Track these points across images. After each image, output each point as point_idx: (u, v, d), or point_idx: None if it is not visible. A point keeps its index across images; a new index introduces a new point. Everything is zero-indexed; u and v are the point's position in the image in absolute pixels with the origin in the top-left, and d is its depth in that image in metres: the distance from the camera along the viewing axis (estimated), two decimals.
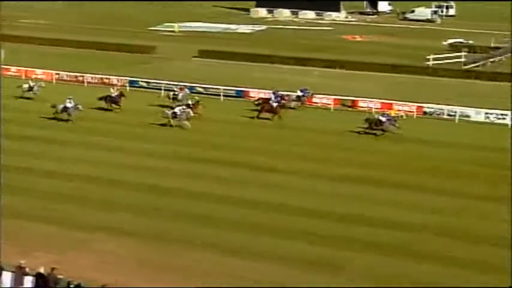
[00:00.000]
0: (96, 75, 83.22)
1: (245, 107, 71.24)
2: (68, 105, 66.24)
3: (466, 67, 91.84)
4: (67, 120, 66.17)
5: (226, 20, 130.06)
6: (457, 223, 45.94)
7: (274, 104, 68.43)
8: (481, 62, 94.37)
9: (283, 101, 69.75)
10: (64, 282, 34.67)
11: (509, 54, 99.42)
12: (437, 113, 70.93)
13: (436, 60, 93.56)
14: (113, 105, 70.51)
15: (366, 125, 64.24)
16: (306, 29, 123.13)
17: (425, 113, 71.50)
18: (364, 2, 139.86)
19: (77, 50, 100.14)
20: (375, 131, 63.81)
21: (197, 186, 50.96)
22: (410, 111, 71.36)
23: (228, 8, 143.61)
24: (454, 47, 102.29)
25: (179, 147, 59.50)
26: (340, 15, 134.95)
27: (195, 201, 48.35)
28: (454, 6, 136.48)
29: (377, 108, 71.47)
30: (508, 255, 41.17)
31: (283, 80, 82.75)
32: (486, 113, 69.88)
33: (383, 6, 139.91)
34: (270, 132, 64.64)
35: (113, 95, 71.01)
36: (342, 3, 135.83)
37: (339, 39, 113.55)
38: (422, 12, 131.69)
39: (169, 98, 72.08)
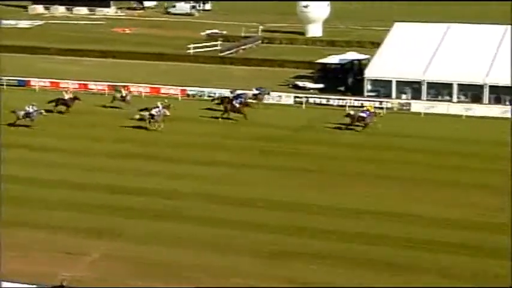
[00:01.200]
0: None
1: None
2: (30, 110, 59.93)
3: (221, 54, 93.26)
4: (27, 126, 60.48)
5: (6, 16, 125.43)
6: (221, 189, 46.87)
7: (237, 104, 64.31)
8: (234, 50, 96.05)
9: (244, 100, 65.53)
10: None
11: (258, 42, 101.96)
12: (199, 95, 71.84)
13: (196, 48, 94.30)
14: (66, 107, 64.74)
15: (348, 121, 61.02)
16: (80, 24, 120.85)
17: (188, 95, 72.24)
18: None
19: None
20: (355, 126, 60.70)
21: None
22: (175, 94, 71.94)
23: (6, 5, 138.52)
24: (211, 37, 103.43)
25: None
26: (110, 11, 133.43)
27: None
28: (210, 2, 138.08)
29: (146, 92, 71.72)
30: (274, 214, 42.62)
31: (62, 69, 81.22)
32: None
33: (149, 2, 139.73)
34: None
35: (66, 97, 65.22)
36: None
37: (111, 32, 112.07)
38: (182, 6, 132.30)
39: (115, 99, 67.03)
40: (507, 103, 67.11)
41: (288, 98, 70.26)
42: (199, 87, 73.14)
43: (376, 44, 78.25)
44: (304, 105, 68.79)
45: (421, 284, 35.26)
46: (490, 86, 68.02)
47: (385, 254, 38.00)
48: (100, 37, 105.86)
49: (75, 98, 65.26)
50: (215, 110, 65.22)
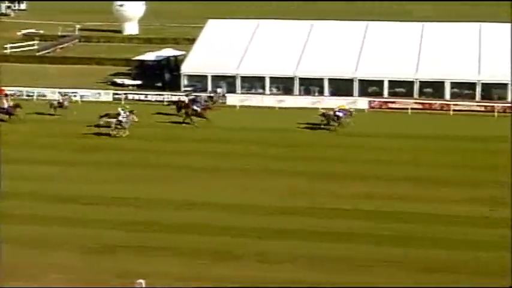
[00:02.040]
0: None
1: None
2: None
3: (39, 53, 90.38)
4: None
5: None
6: (48, 188, 45.30)
7: (198, 109, 60.01)
8: (52, 49, 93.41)
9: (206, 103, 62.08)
10: None
11: (76, 41, 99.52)
12: (18, 94, 69.07)
13: (12, 48, 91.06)
14: (8, 116, 59.26)
15: (324, 121, 58.55)
16: None
17: (6, 95, 68.96)
18: None
19: None
20: (331, 125, 58.44)
21: None
22: None
23: None
24: (28, 37, 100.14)
25: None
26: None
27: None
28: (25, 1, 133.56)
29: None
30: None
31: None
32: (59, 92, 69.18)
33: None
34: None
35: (5, 106, 59.57)
36: None
37: None
38: None
39: (52, 106, 62.03)
40: (316, 94, 68.57)
41: (107, 95, 68.97)
42: (18, 86, 70.41)
43: (192, 41, 77.95)
44: (123, 102, 67.30)
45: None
46: (299, 78, 69.13)
47: (208, 242, 37.71)
48: None
49: (16, 106, 61.01)
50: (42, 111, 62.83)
